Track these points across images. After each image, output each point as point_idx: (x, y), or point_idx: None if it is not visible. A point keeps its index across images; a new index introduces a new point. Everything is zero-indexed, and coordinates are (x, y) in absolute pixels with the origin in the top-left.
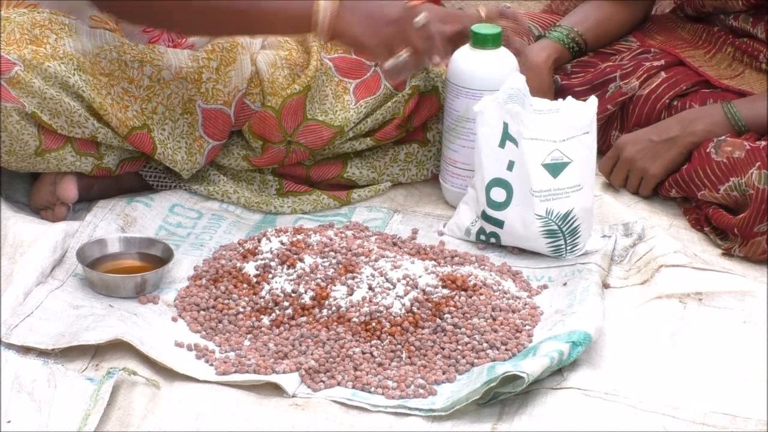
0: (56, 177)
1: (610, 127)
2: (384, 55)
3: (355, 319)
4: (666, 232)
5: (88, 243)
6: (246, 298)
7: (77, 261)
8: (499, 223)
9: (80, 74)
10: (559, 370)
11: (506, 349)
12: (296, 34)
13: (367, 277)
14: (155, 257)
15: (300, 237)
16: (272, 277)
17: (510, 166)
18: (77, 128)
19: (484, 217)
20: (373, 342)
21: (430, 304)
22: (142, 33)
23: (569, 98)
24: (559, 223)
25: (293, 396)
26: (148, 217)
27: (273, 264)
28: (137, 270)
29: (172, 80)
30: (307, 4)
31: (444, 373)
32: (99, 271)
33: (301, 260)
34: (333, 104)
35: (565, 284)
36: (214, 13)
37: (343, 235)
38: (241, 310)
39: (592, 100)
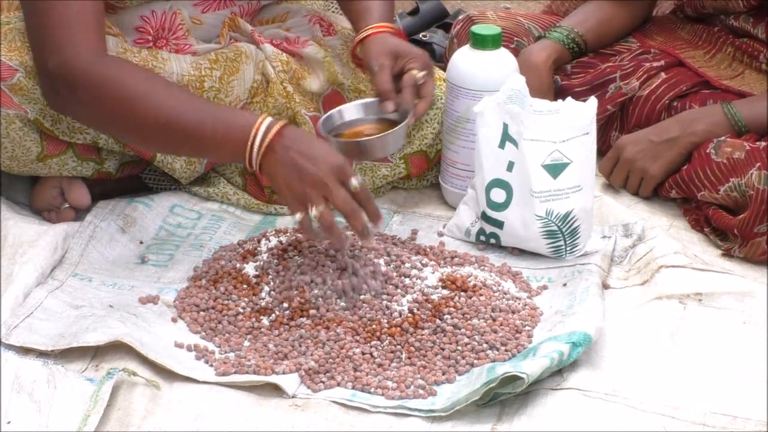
0: (62, 181)
1: (610, 127)
2: (295, 209)
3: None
4: (666, 233)
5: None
6: (246, 299)
7: (323, 129)
8: (499, 224)
9: None
10: (559, 371)
11: (506, 350)
12: (238, 161)
13: None
14: (391, 121)
15: (300, 237)
16: (272, 278)
17: (510, 166)
18: (79, 134)
19: (484, 217)
20: (373, 343)
21: (429, 305)
22: (137, 42)
23: (569, 99)
24: (559, 224)
25: (293, 396)
26: (149, 217)
27: (272, 265)
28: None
29: None
30: (246, 130)
31: (444, 374)
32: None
33: (300, 261)
34: None
35: (565, 285)
36: (166, 131)
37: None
38: (241, 310)
39: (592, 101)
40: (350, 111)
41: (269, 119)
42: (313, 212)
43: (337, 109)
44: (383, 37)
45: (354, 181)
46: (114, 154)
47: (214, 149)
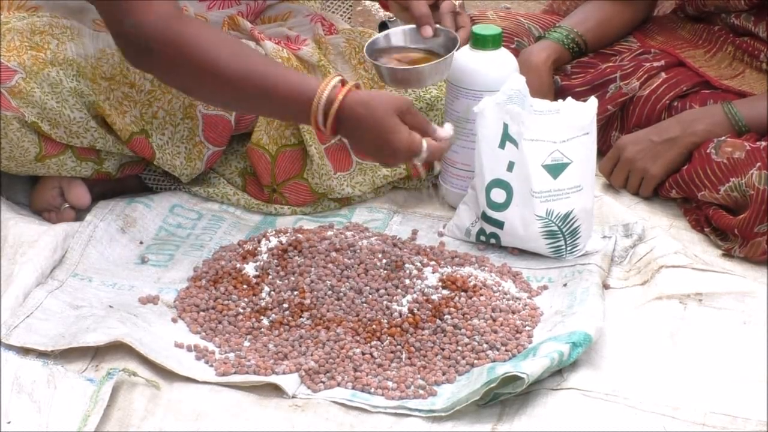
0: (62, 181)
1: (610, 127)
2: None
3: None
4: (666, 233)
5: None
6: (246, 299)
7: (366, 55)
8: (499, 224)
9: (80, 80)
10: (559, 371)
11: (506, 350)
12: (300, 120)
13: None
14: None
15: (300, 237)
16: (272, 278)
17: (510, 166)
18: (76, 138)
19: (484, 217)
20: (373, 343)
21: (430, 305)
22: None
23: (569, 99)
24: (560, 224)
25: (293, 397)
26: (148, 217)
27: (272, 265)
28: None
29: None
30: (309, 94)
31: (444, 374)
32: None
33: (300, 261)
34: (319, 166)
35: (565, 285)
36: (232, 88)
37: (342, 236)
38: (241, 311)
39: (592, 101)
40: (396, 37)
41: (326, 94)
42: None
43: (384, 33)
44: None
45: (420, 158)
46: (113, 155)
47: (283, 116)
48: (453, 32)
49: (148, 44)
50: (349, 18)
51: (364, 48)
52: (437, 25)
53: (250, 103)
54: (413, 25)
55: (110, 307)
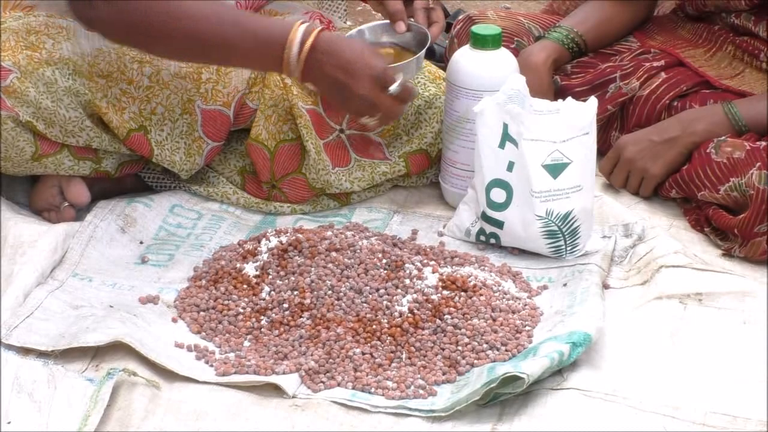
0: (61, 180)
1: (610, 127)
2: (352, 116)
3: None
4: (666, 233)
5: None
6: (246, 299)
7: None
8: (499, 224)
9: (75, 78)
10: (559, 371)
11: (506, 350)
12: (270, 68)
13: None
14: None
15: (300, 237)
16: (272, 278)
17: (510, 166)
18: (72, 137)
19: (484, 217)
20: (373, 342)
21: (429, 305)
22: None
23: (569, 99)
24: (559, 224)
25: (293, 397)
26: (149, 217)
27: (272, 265)
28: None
29: (171, 80)
30: (281, 42)
31: (444, 374)
32: None
33: (300, 261)
34: (316, 161)
35: (565, 285)
36: (196, 40)
37: (342, 235)
38: (241, 310)
39: (592, 101)
40: (369, 32)
41: (301, 31)
42: (364, 120)
43: (357, 30)
44: None
45: (394, 87)
46: (111, 154)
47: (250, 63)
48: (424, 28)
49: None
50: (345, 20)
51: None
52: (410, 21)
53: (220, 45)
54: (386, 21)
55: (110, 307)
